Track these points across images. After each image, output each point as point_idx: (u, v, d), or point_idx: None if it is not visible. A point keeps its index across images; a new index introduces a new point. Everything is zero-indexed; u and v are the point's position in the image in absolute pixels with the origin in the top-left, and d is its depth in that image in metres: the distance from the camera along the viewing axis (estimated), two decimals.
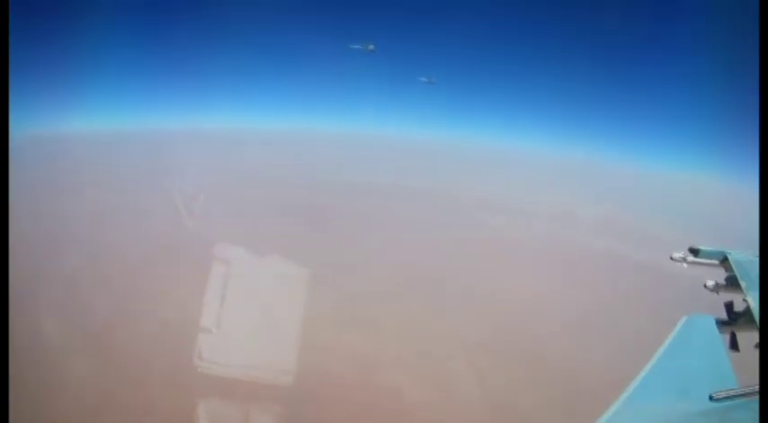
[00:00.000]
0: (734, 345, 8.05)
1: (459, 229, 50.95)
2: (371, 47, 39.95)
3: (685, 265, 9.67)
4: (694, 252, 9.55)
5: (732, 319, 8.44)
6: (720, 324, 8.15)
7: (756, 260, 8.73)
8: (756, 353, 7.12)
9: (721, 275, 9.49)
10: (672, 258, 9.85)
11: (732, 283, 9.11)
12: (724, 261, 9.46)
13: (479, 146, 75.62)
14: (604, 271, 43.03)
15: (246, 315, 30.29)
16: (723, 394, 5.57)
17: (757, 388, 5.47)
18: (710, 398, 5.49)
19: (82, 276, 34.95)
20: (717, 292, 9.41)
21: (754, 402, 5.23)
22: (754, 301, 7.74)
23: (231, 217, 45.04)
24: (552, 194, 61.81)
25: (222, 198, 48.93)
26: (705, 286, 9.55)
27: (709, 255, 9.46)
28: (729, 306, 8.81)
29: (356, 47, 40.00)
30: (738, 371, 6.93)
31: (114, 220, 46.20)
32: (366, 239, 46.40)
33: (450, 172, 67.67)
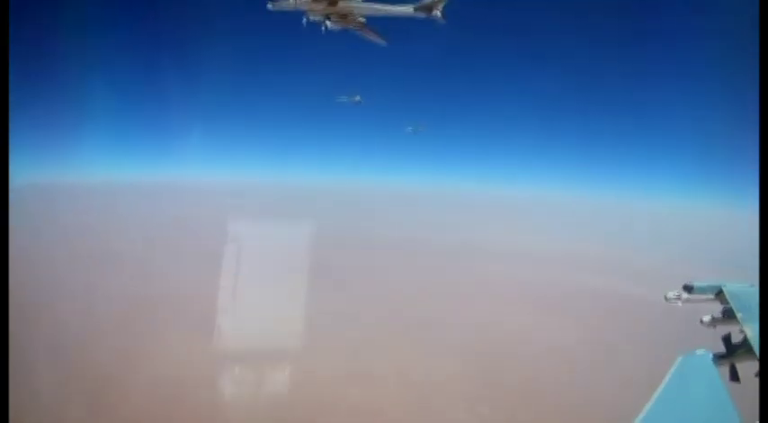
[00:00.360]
0: (734, 376, 8.01)
1: (454, 275, 50.87)
2: (358, 98, 40.90)
3: (680, 303, 9.59)
4: (688, 289, 9.51)
5: (731, 351, 8.41)
6: (718, 358, 8.09)
7: (753, 290, 8.69)
8: (757, 381, 7.09)
9: (717, 309, 9.50)
10: (666, 299, 9.74)
11: (729, 315, 9.07)
12: (719, 294, 9.46)
13: (468, 192, 76.53)
14: (597, 309, 42.75)
15: (247, 366, 29.82)
16: None
17: None
18: None
19: (79, 323, 34.54)
20: (714, 326, 9.34)
21: None
22: (752, 331, 7.77)
23: (225, 268, 45.20)
24: (543, 235, 62.23)
25: (217, 249, 49.06)
26: (702, 322, 9.46)
27: (704, 290, 9.43)
28: (727, 339, 8.76)
29: (343, 99, 41.05)
30: (740, 401, 6.87)
31: (112, 270, 46.20)
32: (361, 289, 46.18)
33: (442, 219, 68.33)
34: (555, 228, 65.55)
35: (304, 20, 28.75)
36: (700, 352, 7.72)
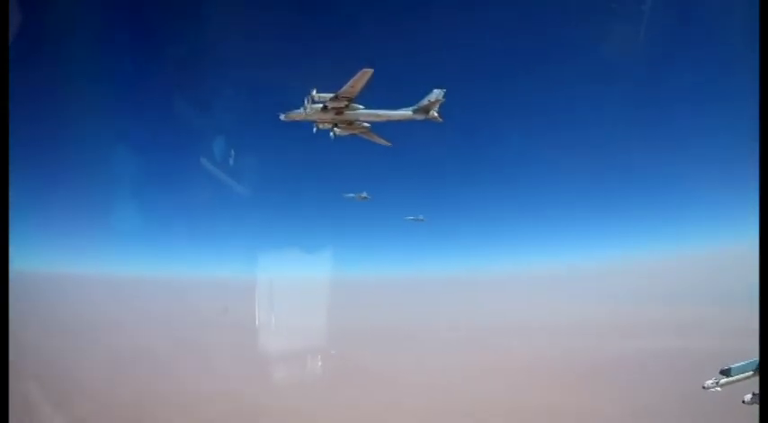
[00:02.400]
0: None
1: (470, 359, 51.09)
2: (364, 195, 42.09)
3: (719, 389, 10.03)
4: (726, 372, 10.10)
5: None
6: None
7: None
8: None
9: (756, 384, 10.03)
10: (704, 388, 10.20)
11: None
12: (758, 369, 9.98)
13: (473, 273, 76.30)
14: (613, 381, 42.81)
15: None
16: None
17: None
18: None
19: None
20: (758, 402, 9.89)
21: None
22: None
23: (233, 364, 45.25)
24: (556, 305, 62.84)
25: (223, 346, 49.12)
26: (744, 402, 9.94)
27: (743, 369, 10.13)
28: None
29: (350, 196, 42.28)
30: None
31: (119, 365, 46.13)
32: (372, 382, 46.71)
33: (448, 302, 69.30)
34: (561, 298, 66.12)
35: (314, 128, 31.57)
36: None
